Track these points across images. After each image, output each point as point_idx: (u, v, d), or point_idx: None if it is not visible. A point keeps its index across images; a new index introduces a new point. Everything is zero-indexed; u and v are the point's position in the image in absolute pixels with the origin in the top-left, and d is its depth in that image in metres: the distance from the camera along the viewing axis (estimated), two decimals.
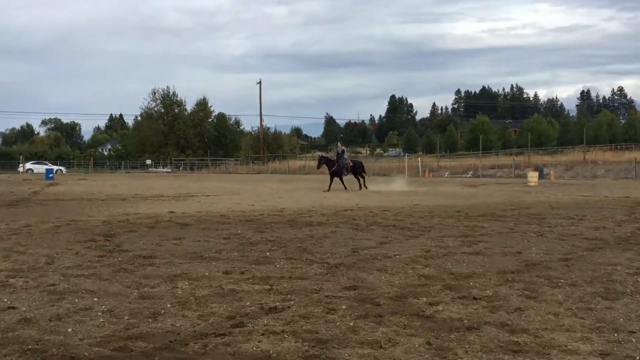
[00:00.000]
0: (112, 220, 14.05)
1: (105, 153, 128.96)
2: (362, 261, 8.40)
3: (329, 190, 26.51)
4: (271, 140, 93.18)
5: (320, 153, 30.45)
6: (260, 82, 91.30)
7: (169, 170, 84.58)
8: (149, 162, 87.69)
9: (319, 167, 29.70)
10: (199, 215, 15.29)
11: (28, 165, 73.58)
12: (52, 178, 44.99)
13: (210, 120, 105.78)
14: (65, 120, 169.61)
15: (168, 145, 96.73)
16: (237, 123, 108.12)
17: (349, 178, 28.70)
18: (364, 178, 28.58)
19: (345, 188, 27.26)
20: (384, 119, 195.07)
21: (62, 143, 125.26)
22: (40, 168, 69.97)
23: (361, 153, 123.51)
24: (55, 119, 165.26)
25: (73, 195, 24.16)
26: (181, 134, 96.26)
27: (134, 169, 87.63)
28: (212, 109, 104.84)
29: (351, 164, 28.50)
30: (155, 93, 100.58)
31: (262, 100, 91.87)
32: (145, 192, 26.78)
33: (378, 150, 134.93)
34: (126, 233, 11.50)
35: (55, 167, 67.68)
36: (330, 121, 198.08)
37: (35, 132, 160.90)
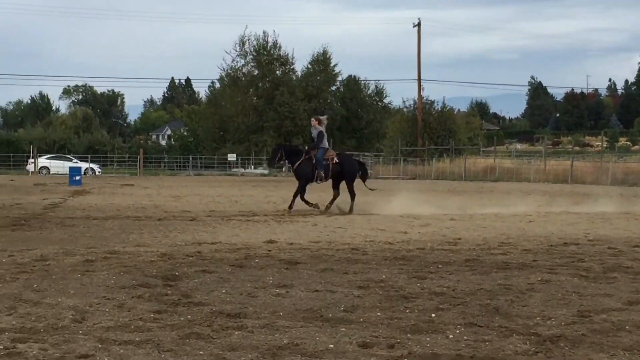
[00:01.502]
0: (176, 253, 14.49)
1: (163, 142, 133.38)
2: (597, 333, 8.23)
3: (290, 208, 25.73)
4: (436, 122, 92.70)
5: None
6: (419, 25, 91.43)
7: (266, 171, 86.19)
8: (232, 157, 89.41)
9: (272, 163, 28.25)
10: (315, 248, 15.49)
11: (42, 161, 77.30)
12: (79, 182, 47.07)
13: (334, 88, 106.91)
14: (100, 88, 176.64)
15: (264, 131, 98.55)
16: (379, 93, 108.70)
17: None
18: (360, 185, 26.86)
19: (310, 204, 25.80)
20: (634, 88, 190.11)
21: (95, 126, 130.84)
22: (60, 166, 73.33)
23: (591, 146, 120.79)
24: (84, 86, 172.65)
25: (112, 211, 25.19)
26: (286, 112, 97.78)
27: (209, 169, 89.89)
28: (337, 69, 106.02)
29: (336, 160, 26.38)
30: (244, 43, 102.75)
31: (421, 56, 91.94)
32: (228, 208, 27.45)
33: (622, 142, 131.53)
34: (198, 274, 11.85)
35: (84, 165, 70.67)
36: (537, 90, 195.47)
37: (54, 108, 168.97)
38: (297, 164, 25.98)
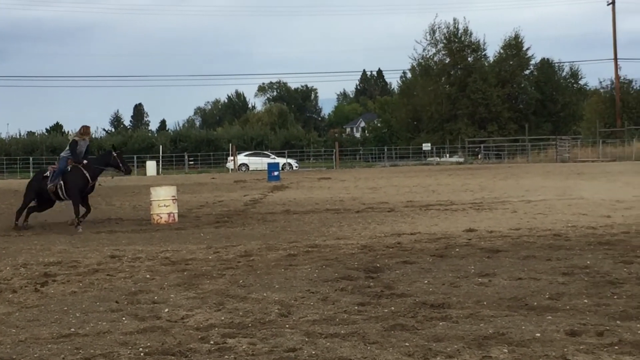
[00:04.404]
0: (376, 244, 14.62)
1: (357, 134, 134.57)
2: None
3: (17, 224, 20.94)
4: (635, 101, 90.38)
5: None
6: (613, 2, 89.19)
7: (461, 159, 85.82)
8: (427, 147, 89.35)
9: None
10: (516, 235, 15.38)
11: (241, 158, 79.13)
12: (277, 178, 47.97)
13: (527, 72, 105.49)
14: (293, 84, 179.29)
15: (458, 119, 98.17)
16: (574, 75, 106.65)
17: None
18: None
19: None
20: None
21: (291, 121, 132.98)
22: (258, 162, 74.88)
23: None
24: (278, 82, 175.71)
25: (311, 205, 25.58)
26: (480, 99, 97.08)
27: (404, 159, 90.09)
28: (529, 53, 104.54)
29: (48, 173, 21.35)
30: (434, 32, 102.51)
31: (617, 34, 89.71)
32: (425, 198, 27.49)
33: None
34: (399, 265, 11.92)
35: (281, 161, 72.01)
36: None
37: (250, 105, 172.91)
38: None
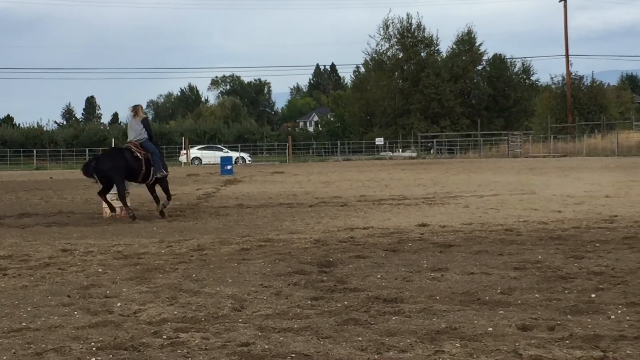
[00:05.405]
0: (329, 239, 14.61)
1: (311, 129, 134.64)
2: None
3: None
4: (585, 98, 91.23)
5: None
6: None
7: (414, 154, 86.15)
8: (380, 141, 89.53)
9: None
10: (468, 230, 15.43)
11: (194, 151, 78.98)
12: (230, 172, 47.99)
13: (480, 68, 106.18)
14: (247, 78, 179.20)
15: (410, 114, 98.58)
16: (526, 71, 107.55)
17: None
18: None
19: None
20: None
21: (244, 115, 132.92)
22: (211, 156, 74.89)
23: None
24: (232, 76, 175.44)
25: (264, 199, 25.56)
26: (432, 94, 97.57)
27: (357, 153, 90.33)
28: (482, 48, 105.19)
29: (140, 155, 20.66)
30: (388, 27, 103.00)
31: (568, 31, 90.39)
32: (378, 192, 27.55)
33: None
34: (352, 260, 11.92)
35: (234, 155, 71.97)
36: None
37: (203, 99, 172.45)
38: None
